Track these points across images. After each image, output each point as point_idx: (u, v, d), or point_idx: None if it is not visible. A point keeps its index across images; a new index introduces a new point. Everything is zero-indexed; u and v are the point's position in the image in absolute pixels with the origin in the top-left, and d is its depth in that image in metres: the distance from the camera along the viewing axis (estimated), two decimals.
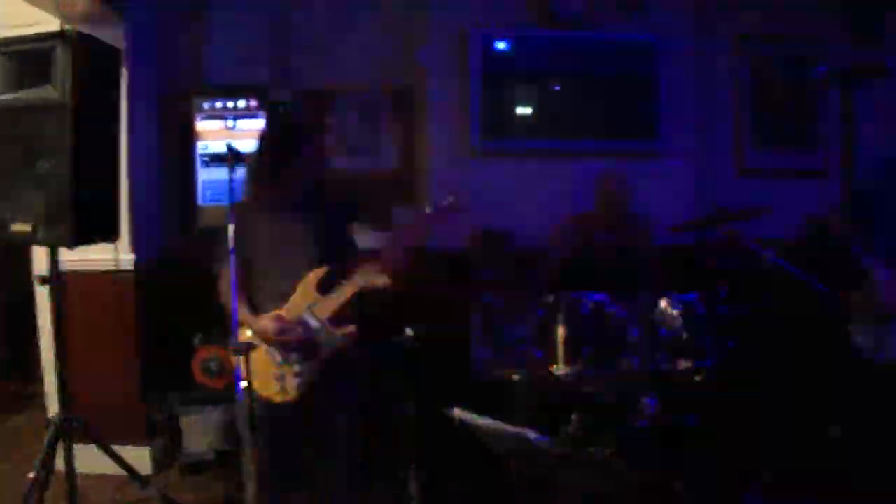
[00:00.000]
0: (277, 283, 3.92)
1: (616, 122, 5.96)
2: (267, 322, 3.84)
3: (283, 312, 3.88)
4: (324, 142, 4.21)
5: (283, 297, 3.90)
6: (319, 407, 3.95)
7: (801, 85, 6.41)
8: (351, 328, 3.90)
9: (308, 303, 3.88)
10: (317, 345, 3.87)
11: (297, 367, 3.85)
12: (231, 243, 3.43)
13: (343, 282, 3.90)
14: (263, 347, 3.85)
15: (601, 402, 4.26)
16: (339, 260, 4.00)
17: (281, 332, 3.82)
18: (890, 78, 5.31)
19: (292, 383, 3.84)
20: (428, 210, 3.97)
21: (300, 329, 3.85)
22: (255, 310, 3.93)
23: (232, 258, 3.45)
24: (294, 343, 3.85)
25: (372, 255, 3.96)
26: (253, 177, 3.90)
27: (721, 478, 3.86)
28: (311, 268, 3.90)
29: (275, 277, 3.93)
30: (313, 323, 3.86)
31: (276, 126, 4.17)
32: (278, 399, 3.83)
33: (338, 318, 3.91)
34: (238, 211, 3.63)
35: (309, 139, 3.99)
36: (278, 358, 3.86)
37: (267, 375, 3.81)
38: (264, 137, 4.05)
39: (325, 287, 3.90)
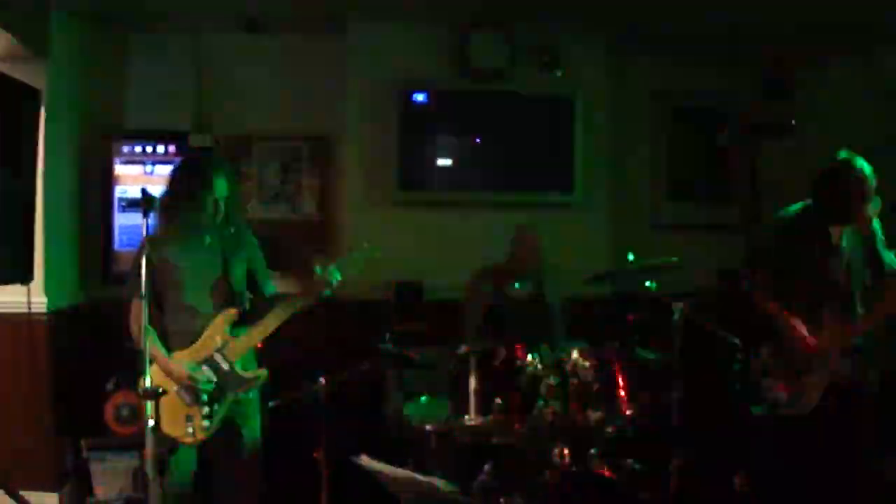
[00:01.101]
0: (187, 321, 3.93)
1: (534, 174, 6.06)
2: (177, 366, 3.86)
3: (192, 353, 3.90)
4: (239, 180, 4.21)
5: (193, 335, 3.92)
6: (225, 449, 3.99)
7: (714, 140, 6.62)
8: (261, 371, 3.97)
9: (219, 342, 3.91)
10: (226, 387, 3.91)
11: (205, 409, 3.87)
12: (142, 277, 3.40)
13: (256, 323, 3.95)
14: (174, 389, 3.86)
15: (513, 452, 4.30)
16: (251, 300, 4.06)
17: (191, 377, 3.85)
18: (794, 134, 5.48)
19: (201, 424, 3.86)
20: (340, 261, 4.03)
21: (209, 371, 3.89)
22: (168, 346, 3.94)
23: (142, 295, 3.41)
24: (204, 385, 3.87)
25: (285, 299, 4.03)
26: (165, 206, 3.88)
27: None
28: (221, 307, 3.94)
29: (185, 314, 3.94)
30: (223, 365, 3.90)
31: (188, 159, 4.17)
32: (188, 440, 3.83)
33: (248, 361, 3.97)
34: (149, 245, 3.60)
35: (222, 174, 3.94)
36: (188, 399, 3.87)
37: (177, 416, 3.81)
38: (177, 169, 4.05)
39: (235, 329, 3.95)
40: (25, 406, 5.08)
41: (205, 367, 3.90)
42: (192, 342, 3.92)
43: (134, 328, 3.88)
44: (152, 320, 3.74)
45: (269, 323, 3.94)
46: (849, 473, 4.09)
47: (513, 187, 6.03)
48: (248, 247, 4.11)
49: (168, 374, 3.86)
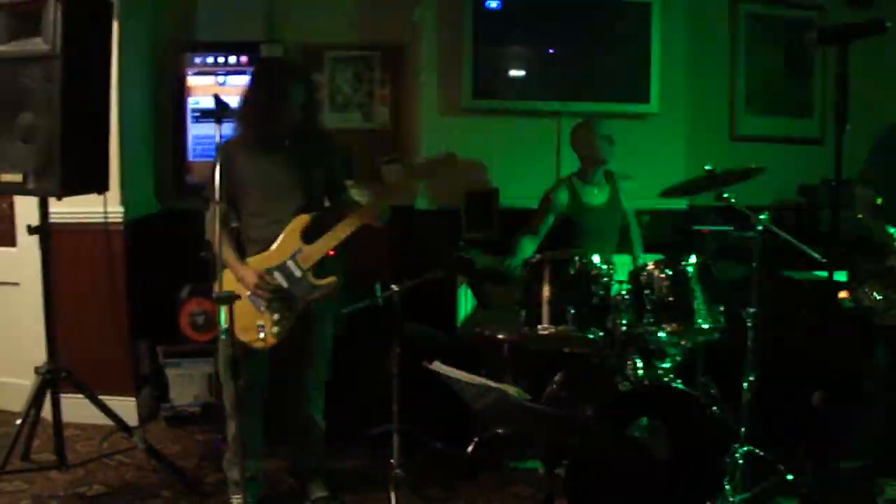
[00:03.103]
0: (262, 226, 3.98)
1: (609, 84, 5.91)
2: (248, 273, 3.91)
3: (264, 259, 3.95)
4: (315, 87, 4.20)
5: (267, 242, 3.96)
6: (298, 354, 4.08)
7: (796, 47, 6.40)
8: (332, 279, 3.99)
9: (292, 249, 3.94)
10: (297, 293, 3.95)
11: (276, 316, 3.92)
12: (216, 183, 3.41)
13: (330, 231, 3.96)
14: (246, 294, 3.91)
15: (586, 362, 4.29)
16: (326, 208, 4.08)
17: (258, 285, 3.90)
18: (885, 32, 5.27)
19: (271, 331, 3.92)
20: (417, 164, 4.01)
21: (281, 278, 3.93)
22: (242, 251, 4.01)
23: (216, 200, 3.45)
24: (274, 292, 3.92)
25: (359, 208, 4.03)
26: (242, 115, 3.92)
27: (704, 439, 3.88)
28: (296, 214, 3.96)
29: (260, 221, 3.98)
30: (295, 271, 3.94)
31: (264, 68, 4.16)
32: (258, 345, 3.89)
33: (320, 268, 3.98)
34: (226, 150, 3.65)
35: (299, 80, 3.97)
36: (259, 305, 3.93)
37: (248, 322, 3.86)
38: (253, 77, 4.06)
39: (310, 235, 3.97)
40: (103, 314, 5.19)
41: (277, 274, 3.94)
42: (266, 249, 3.96)
43: (211, 234, 3.94)
44: (228, 227, 3.88)
45: (340, 232, 3.95)
46: None
47: (587, 97, 5.89)
48: (326, 154, 4.12)
49: (240, 279, 3.91)
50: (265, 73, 4.03)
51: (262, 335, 3.86)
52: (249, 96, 3.97)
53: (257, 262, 3.96)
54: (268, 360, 4.04)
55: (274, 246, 3.95)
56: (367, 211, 3.99)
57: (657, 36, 5.89)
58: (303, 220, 3.95)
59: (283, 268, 3.95)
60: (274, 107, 3.87)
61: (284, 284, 3.94)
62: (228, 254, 3.88)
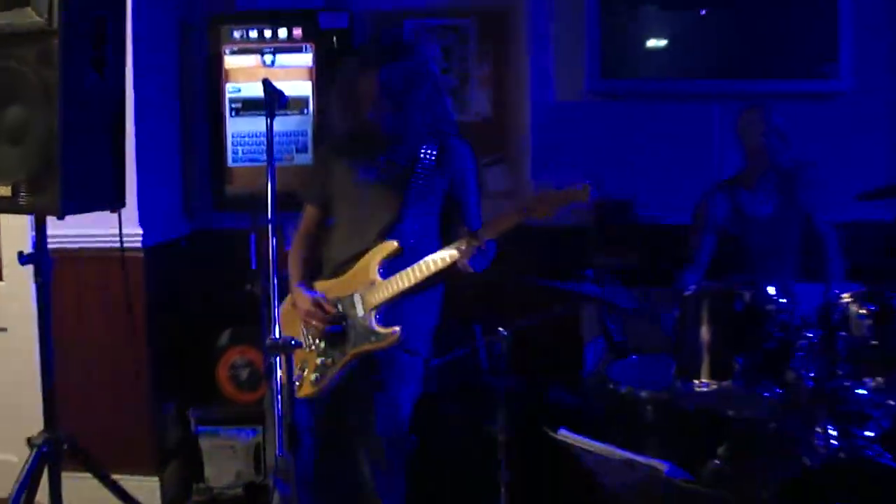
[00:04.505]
0: (341, 248, 4.06)
1: (781, 55, 5.84)
2: (304, 295, 3.96)
3: (331, 286, 4.01)
4: (419, 71, 4.17)
5: (339, 268, 4.03)
6: (353, 423, 4.08)
7: None
8: (394, 334, 3.92)
9: (365, 281, 3.95)
10: (349, 338, 3.94)
11: (319, 359, 3.95)
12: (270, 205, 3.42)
13: (406, 269, 3.92)
14: (300, 327, 3.98)
15: (758, 430, 4.19)
16: (417, 234, 4.05)
17: (311, 313, 3.93)
18: None
19: (310, 377, 3.95)
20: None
21: (337, 311, 3.95)
22: (313, 275, 4.12)
23: (270, 219, 3.45)
24: (324, 327, 3.94)
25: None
26: (336, 110, 4.06)
27: None
28: (381, 238, 3.97)
29: (340, 240, 4.08)
30: (358, 309, 3.93)
31: (363, 50, 4.20)
32: (298, 393, 3.90)
33: (391, 311, 3.96)
34: (321, 154, 3.97)
35: (423, 71, 4.03)
36: (308, 341, 3.99)
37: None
38: (343, 64, 4.15)
39: (393, 267, 3.95)
40: (118, 367, 5.21)
41: (339, 306, 3.98)
42: (340, 274, 4.02)
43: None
44: (312, 237, 4.13)
45: (417, 272, 3.90)
46: None
47: (751, 73, 5.83)
48: (447, 164, 4.12)
49: (294, 301, 4.02)
50: (339, 60, 4.15)
51: (301, 378, 3.91)
52: (331, 92, 4.20)
53: (325, 287, 4.03)
54: (315, 418, 4.03)
55: (349, 272, 4.01)
56: (460, 253, 3.89)
57: None
58: (388, 247, 3.96)
59: (347, 301, 3.97)
60: (347, 107, 3.97)
61: (341, 321, 3.95)
62: (294, 269, 4.03)
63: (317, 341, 3.96)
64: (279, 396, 3.38)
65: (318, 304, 3.93)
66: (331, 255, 4.10)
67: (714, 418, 4.22)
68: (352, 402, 4.02)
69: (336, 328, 3.94)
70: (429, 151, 4.06)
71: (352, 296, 3.96)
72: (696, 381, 3.98)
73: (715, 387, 3.95)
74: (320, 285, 4.04)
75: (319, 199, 4.09)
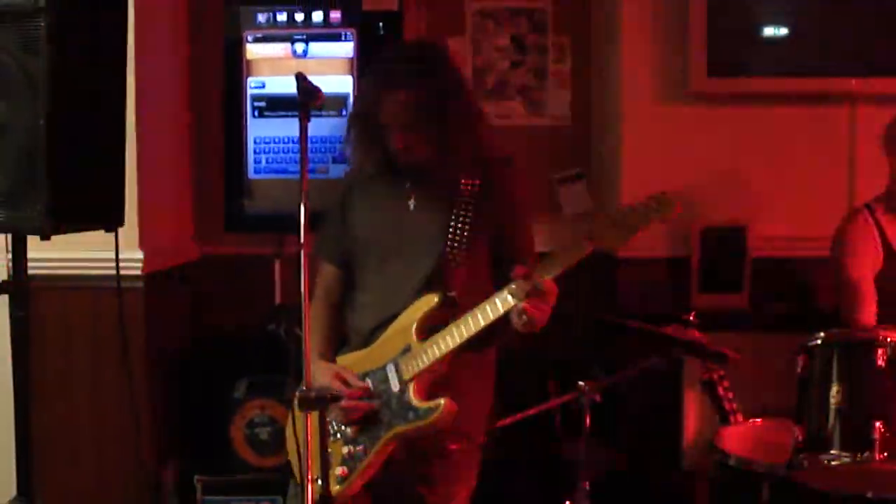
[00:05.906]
0: (367, 312, 3.94)
1: None
2: (322, 371, 3.82)
3: (359, 358, 3.89)
4: (450, 76, 4.11)
5: (369, 337, 3.90)
6: None
7: None
8: (444, 408, 3.74)
9: (400, 346, 3.83)
10: (383, 419, 3.81)
11: (346, 449, 3.84)
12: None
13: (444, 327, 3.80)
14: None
15: None
16: (462, 285, 3.91)
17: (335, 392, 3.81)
18: None
19: (335, 473, 3.82)
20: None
21: (368, 387, 3.83)
22: (337, 342, 4.02)
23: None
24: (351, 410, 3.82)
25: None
26: (357, 134, 3.94)
27: None
28: (418, 294, 3.85)
29: (366, 301, 3.96)
30: (392, 382, 3.82)
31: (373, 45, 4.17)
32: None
33: (436, 383, 3.83)
34: (337, 198, 3.84)
35: (456, 80, 3.94)
36: (332, 428, 3.85)
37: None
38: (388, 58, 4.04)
39: (435, 325, 3.83)
40: (110, 420, 5.22)
41: (368, 380, 3.85)
42: (371, 342, 3.90)
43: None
44: (333, 301, 4.00)
45: (471, 323, 3.73)
46: None
47: (892, 71, 5.80)
48: (495, 197, 3.97)
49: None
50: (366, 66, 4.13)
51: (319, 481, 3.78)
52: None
53: (351, 361, 3.92)
54: None
55: (380, 339, 3.88)
56: (513, 297, 3.75)
57: None
58: (427, 302, 3.81)
59: (379, 374, 3.84)
60: (367, 135, 3.90)
61: (373, 400, 3.82)
62: (312, 342, 3.81)
63: (342, 427, 3.84)
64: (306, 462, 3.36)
65: (341, 379, 3.83)
66: (357, 324, 3.98)
67: (849, 500, 4.18)
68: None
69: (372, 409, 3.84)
70: (471, 183, 3.97)
71: (384, 367, 3.82)
72: (826, 454, 3.94)
73: (849, 460, 3.90)
74: (344, 359, 3.94)
75: (337, 255, 3.96)
